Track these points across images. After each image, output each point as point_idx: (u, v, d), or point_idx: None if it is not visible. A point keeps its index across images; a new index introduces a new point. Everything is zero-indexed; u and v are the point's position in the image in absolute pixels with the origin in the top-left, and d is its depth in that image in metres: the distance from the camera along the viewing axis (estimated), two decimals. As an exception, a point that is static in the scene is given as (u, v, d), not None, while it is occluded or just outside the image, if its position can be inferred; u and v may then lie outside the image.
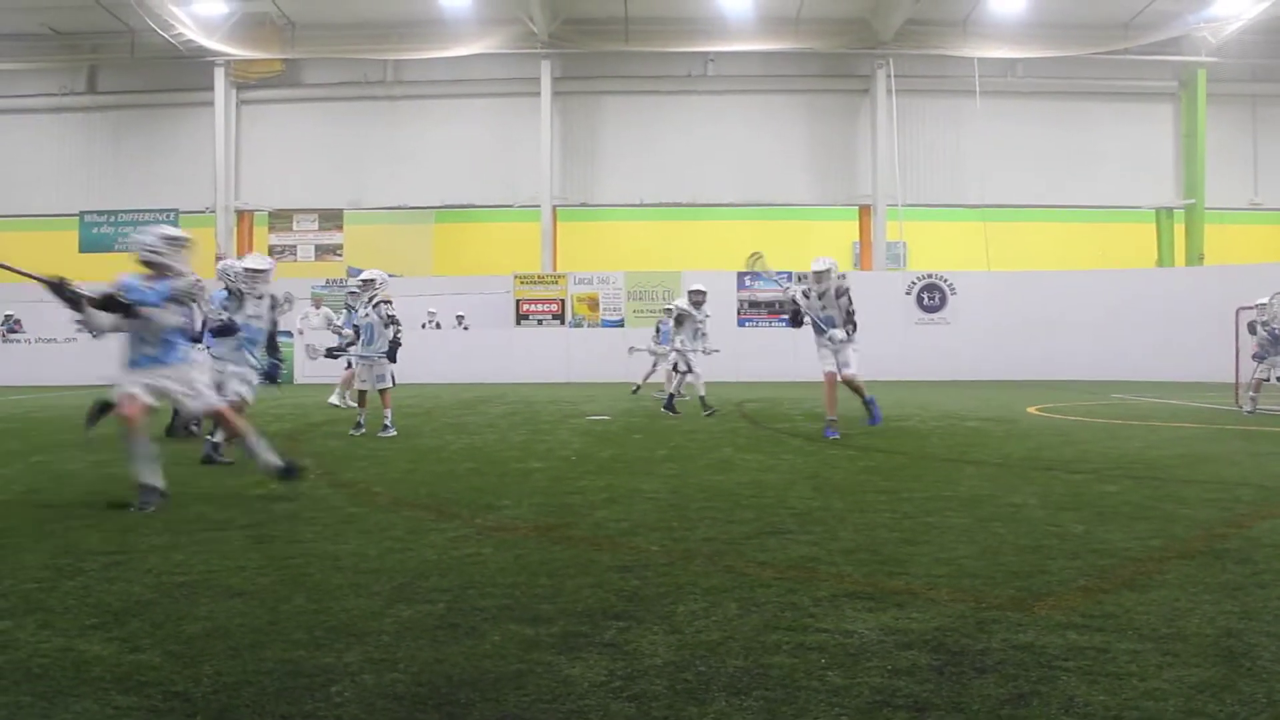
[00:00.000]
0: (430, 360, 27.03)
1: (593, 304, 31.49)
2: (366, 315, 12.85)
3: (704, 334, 16.92)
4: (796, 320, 13.02)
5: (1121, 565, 5.11)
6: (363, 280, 13.16)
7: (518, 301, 31.31)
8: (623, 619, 4.14)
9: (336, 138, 34.97)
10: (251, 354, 10.24)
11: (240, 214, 35.25)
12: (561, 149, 34.32)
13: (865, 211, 34.57)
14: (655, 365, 20.76)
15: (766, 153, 34.34)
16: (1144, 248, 35.68)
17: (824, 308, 12.70)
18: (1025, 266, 31.65)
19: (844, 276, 13.68)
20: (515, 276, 31.63)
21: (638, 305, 31.10)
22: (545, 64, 33.39)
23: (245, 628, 4.00)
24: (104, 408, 10.66)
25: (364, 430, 12.72)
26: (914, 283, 30.70)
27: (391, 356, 12.68)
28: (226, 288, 10.38)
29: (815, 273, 12.78)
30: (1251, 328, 16.66)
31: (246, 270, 10.36)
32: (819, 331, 12.66)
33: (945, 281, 30.90)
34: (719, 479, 8.47)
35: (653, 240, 38.14)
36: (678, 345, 16.77)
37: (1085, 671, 3.44)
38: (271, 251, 34.32)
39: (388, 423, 12.64)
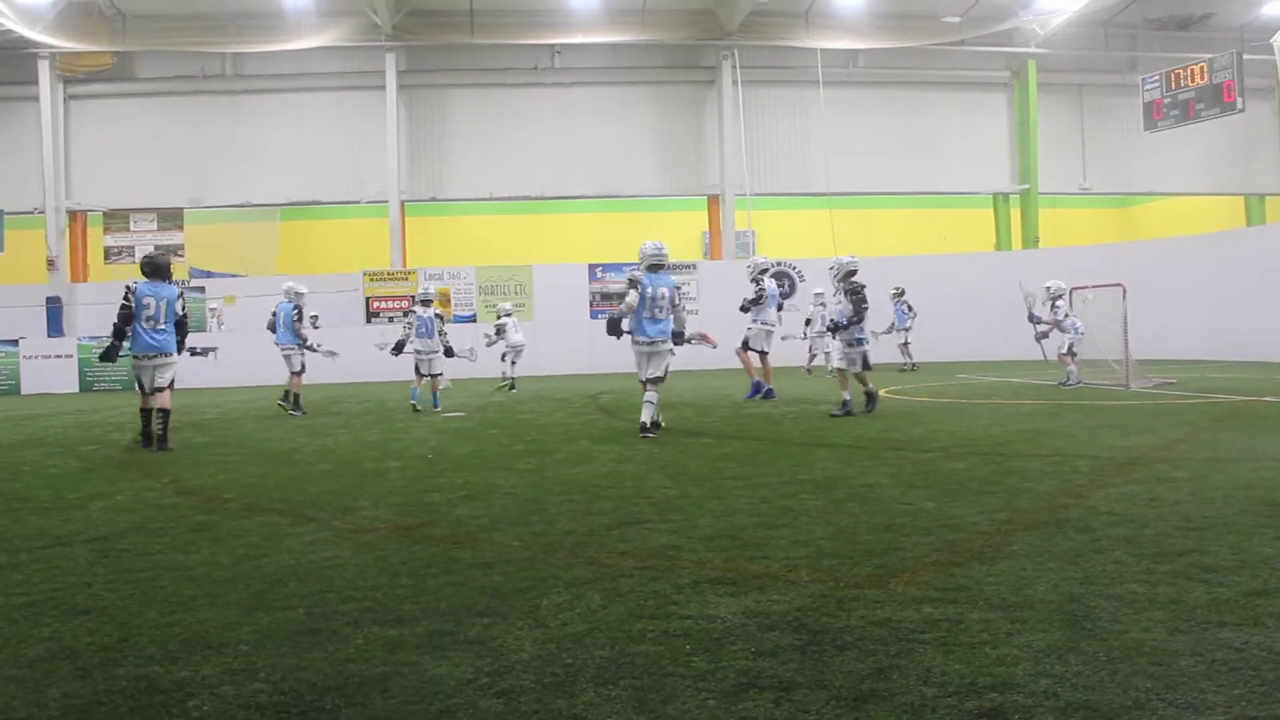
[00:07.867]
0: (279, 361, 26.33)
1: (444, 299, 31.18)
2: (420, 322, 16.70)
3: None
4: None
5: (971, 539, 5.28)
6: (422, 299, 17.09)
7: (368, 299, 30.79)
8: (487, 615, 4.11)
9: (174, 134, 33.63)
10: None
11: (72, 214, 33.71)
12: (408, 143, 33.75)
13: (714, 201, 34.88)
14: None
15: (615, 144, 34.34)
16: (983, 232, 36.91)
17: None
18: (871, 252, 32.30)
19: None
20: (365, 274, 31.08)
21: (490, 300, 30.88)
22: (390, 57, 32.80)
23: (94, 646, 3.85)
24: None
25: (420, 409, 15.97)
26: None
27: (447, 353, 16.68)
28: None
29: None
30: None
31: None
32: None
33: (794, 269, 31.47)
34: (577, 471, 8.47)
35: (503, 234, 37.96)
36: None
37: (941, 642, 3.55)
38: (108, 254, 33.02)
39: (436, 403, 16.43)
